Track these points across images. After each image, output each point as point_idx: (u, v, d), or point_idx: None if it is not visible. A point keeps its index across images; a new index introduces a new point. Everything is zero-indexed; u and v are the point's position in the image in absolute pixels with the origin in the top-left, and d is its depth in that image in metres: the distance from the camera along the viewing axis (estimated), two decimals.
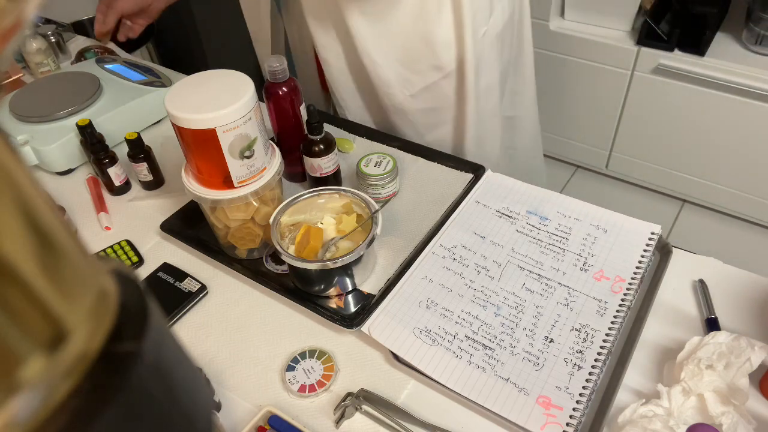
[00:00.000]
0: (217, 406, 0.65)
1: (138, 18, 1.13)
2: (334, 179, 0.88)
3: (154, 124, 1.08)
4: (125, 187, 0.95)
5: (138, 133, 0.91)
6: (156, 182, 0.95)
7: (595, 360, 0.64)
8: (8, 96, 1.03)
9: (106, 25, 1.12)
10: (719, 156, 1.71)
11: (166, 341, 0.24)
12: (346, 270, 0.73)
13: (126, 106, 1.03)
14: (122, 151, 0.95)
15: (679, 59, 1.59)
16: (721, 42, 1.62)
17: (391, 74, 0.97)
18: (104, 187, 0.95)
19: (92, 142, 0.91)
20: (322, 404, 0.65)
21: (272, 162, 0.75)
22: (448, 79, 0.97)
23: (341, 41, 0.98)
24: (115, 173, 0.93)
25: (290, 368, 0.68)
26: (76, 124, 0.91)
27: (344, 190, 0.77)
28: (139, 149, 0.91)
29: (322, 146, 0.84)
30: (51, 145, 0.96)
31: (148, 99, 1.05)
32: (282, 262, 0.79)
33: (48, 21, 1.30)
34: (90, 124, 0.90)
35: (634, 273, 0.73)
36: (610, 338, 0.66)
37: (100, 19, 1.12)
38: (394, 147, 0.97)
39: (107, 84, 1.06)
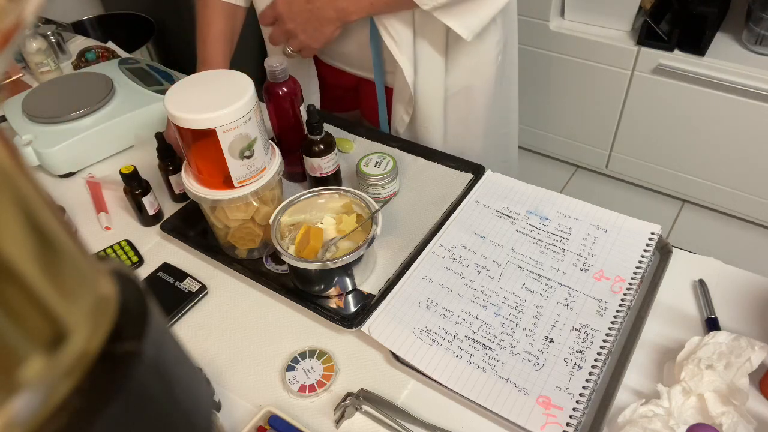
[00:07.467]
0: (217, 406, 0.65)
1: None
2: (334, 179, 0.88)
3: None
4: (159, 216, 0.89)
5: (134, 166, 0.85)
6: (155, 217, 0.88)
7: (595, 360, 0.64)
8: (22, 93, 1.02)
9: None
10: (719, 156, 1.71)
11: (166, 341, 0.24)
12: (346, 270, 0.73)
13: (133, 113, 1.00)
14: (122, 161, 0.93)
15: (679, 59, 1.59)
16: (721, 42, 1.62)
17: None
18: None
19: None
20: (322, 404, 0.65)
21: (272, 162, 0.75)
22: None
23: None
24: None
25: (290, 368, 0.68)
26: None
27: (344, 190, 0.77)
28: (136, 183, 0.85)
29: (322, 146, 0.84)
30: (52, 148, 0.95)
31: (158, 107, 1.01)
32: (282, 262, 0.79)
33: (48, 21, 1.30)
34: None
35: (634, 273, 0.73)
36: (610, 338, 0.66)
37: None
38: (394, 147, 0.97)
39: (121, 88, 1.03)
